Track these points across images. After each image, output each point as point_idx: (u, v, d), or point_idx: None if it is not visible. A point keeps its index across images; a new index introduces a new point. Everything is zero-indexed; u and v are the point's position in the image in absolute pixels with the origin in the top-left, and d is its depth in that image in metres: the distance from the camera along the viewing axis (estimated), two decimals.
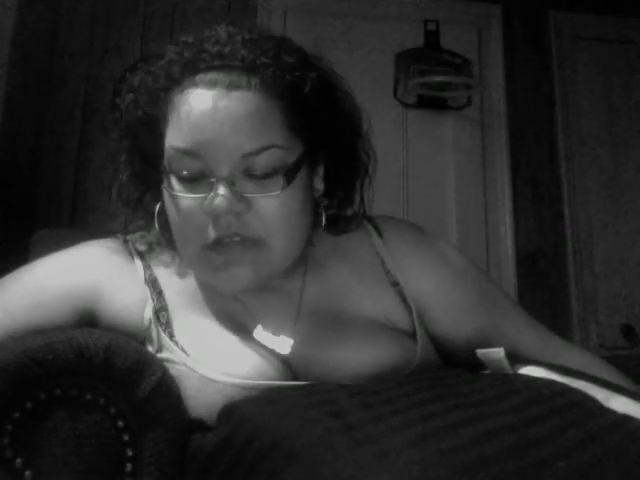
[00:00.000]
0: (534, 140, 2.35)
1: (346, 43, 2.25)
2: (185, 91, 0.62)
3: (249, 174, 0.61)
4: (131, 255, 0.71)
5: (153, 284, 0.69)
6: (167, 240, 0.69)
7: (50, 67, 2.06)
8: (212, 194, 0.59)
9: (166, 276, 0.70)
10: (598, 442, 0.44)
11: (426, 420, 0.46)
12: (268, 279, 0.66)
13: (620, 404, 0.56)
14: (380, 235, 0.76)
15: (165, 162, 0.63)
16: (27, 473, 0.53)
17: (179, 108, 0.62)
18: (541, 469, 0.40)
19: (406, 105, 2.28)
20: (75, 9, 2.11)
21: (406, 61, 2.28)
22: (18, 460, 0.53)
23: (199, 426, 0.61)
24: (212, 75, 0.61)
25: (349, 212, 0.75)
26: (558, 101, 2.37)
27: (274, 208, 0.61)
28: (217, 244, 0.61)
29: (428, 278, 0.73)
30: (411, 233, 0.77)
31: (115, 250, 0.71)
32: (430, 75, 2.23)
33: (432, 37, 2.31)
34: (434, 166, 2.29)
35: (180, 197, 0.62)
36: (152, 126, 0.65)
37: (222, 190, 0.59)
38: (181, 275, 0.71)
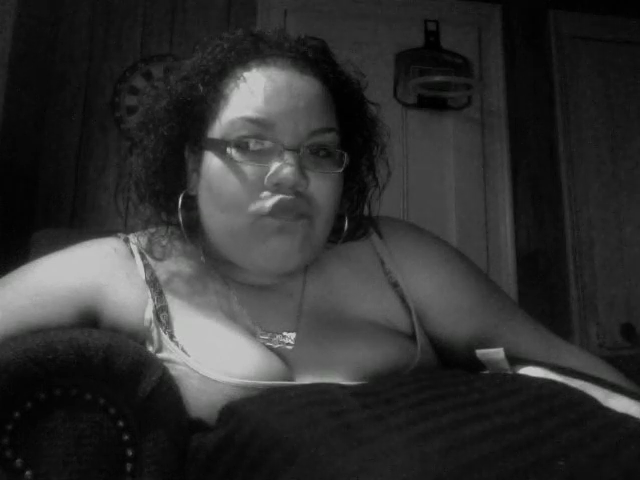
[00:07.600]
0: (534, 140, 2.35)
1: (346, 43, 2.24)
2: (255, 69, 0.65)
3: (311, 152, 0.64)
4: (132, 254, 0.71)
5: (154, 284, 0.69)
6: (187, 228, 0.69)
7: (50, 67, 2.06)
8: (280, 164, 0.62)
9: (167, 276, 0.70)
10: (597, 441, 0.44)
11: (426, 419, 0.46)
12: (302, 265, 0.68)
13: (619, 403, 0.56)
14: (380, 236, 0.76)
15: (225, 134, 0.64)
16: (27, 473, 0.53)
17: (251, 82, 0.64)
18: (540, 468, 0.40)
19: (406, 105, 2.28)
20: (75, 9, 2.11)
21: (406, 61, 2.28)
22: (18, 460, 0.53)
23: (199, 426, 0.61)
24: (282, 61, 0.65)
25: (354, 222, 0.74)
26: (558, 101, 2.37)
27: (327, 190, 0.65)
28: (274, 211, 0.62)
29: (427, 279, 0.73)
30: (411, 234, 0.77)
31: (116, 249, 0.71)
32: (430, 75, 2.23)
33: (432, 37, 2.31)
34: (434, 166, 2.29)
35: (242, 167, 0.63)
36: (199, 107, 0.66)
37: (290, 160, 0.61)
38: (183, 274, 0.70)
